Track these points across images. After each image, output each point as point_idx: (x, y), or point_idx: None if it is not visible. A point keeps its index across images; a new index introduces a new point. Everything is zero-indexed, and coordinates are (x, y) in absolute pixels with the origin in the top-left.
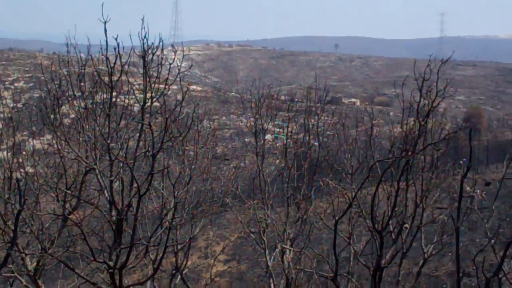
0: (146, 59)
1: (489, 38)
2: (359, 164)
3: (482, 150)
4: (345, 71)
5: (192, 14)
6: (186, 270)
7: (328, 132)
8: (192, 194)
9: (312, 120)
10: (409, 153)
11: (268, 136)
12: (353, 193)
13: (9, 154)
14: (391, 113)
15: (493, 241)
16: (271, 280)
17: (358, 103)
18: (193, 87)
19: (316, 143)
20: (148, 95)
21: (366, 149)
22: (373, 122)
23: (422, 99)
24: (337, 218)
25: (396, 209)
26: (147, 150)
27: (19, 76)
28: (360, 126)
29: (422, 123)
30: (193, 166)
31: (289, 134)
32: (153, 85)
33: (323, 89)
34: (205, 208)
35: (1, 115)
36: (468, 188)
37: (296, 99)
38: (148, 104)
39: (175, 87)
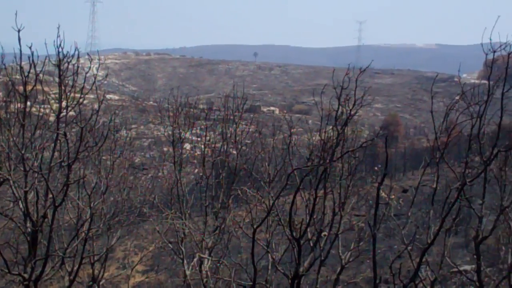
0: (62, 68)
1: (406, 46)
2: (277, 172)
3: (399, 157)
4: (264, 80)
5: (109, 22)
6: (103, 282)
7: (246, 141)
8: (109, 205)
9: (231, 129)
10: (327, 161)
11: (187, 145)
12: (271, 201)
13: None
14: (310, 121)
15: (409, 247)
16: None
17: (277, 111)
18: (110, 96)
19: (235, 152)
20: (64, 104)
21: (284, 157)
22: (292, 130)
23: (340, 107)
24: (255, 226)
25: (314, 216)
26: (63, 160)
27: None
28: (278, 134)
29: (340, 131)
30: (110, 176)
31: (208, 142)
32: (68, 94)
33: (241, 97)
34: (122, 218)
35: None
36: (384, 195)
37: (215, 108)
38: (64, 113)
39: (91, 96)
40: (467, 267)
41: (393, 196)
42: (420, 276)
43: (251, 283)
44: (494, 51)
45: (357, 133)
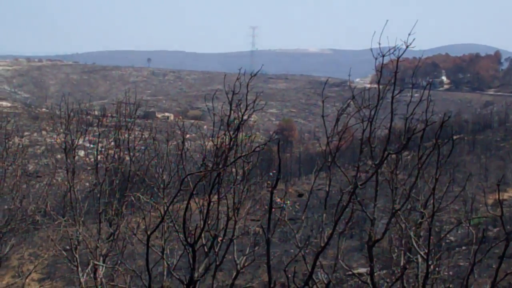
0: None
1: (300, 51)
2: (171, 178)
3: (294, 162)
4: (158, 86)
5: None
6: None
7: (141, 147)
8: (1, 213)
9: (124, 135)
10: (220, 166)
11: (81, 152)
12: (165, 207)
13: None
14: (205, 127)
15: (306, 251)
16: None
17: (171, 117)
18: (2, 103)
19: (128, 158)
20: None
21: (178, 163)
22: (186, 136)
23: (232, 112)
24: (149, 233)
25: (208, 222)
26: None
27: None
28: (173, 140)
29: (233, 136)
30: (2, 184)
31: (101, 149)
32: None
33: (135, 103)
34: (15, 226)
35: None
36: (278, 200)
37: (109, 114)
38: None
39: None
40: (363, 270)
41: (288, 201)
42: (315, 279)
43: None
44: (383, 55)
45: (252, 138)
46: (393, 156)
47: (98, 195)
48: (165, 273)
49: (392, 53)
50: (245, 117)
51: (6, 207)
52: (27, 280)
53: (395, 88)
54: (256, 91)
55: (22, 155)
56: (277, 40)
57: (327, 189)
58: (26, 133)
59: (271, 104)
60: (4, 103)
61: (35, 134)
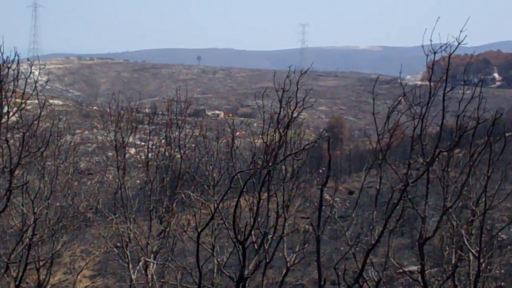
0: (1, 73)
1: (349, 48)
2: (221, 175)
3: (344, 159)
4: (208, 83)
5: (52, 27)
6: (49, 287)
7: (191, 144)
8: (53, 210)
9: (176, 133)
10: (270, 163)
11: (132, 150)
12: (216, 205)
13: None
14: (255, 124)
15: (357, 248)
16: None
17: (221, 115)
18: (54, 101)
19: (179, 155)
20: (5, 110)
21: (228, 160)
22: (236, 133)
23: (282, 109)
24: (199, 230)
25: (258, 219)
26: (5, 166)
27: None
28: (222, 138)
29: (282, 133)
30: (54, 181)
31: (151, 147)
32: (9, 99)
33: (185, 101)
34: (67, 223)
35: None
36: (328, 197)
37: (160, 112)
38: (5, 119)
39: (34, 101)
40: (413, 268)
41: (338, 198)
42: (365, 276)
43: (196, 287)
44: (435, 52)
45: (301, 135)
46: (445, 153)
47: (149, 192)
48: (215, 270)
49: (444, 50)
50: (294, 115)
51: (58, 204)
52: (78, 277)
53: (446, 85)
54: (305, 89)
55: (74, 153)
56: (327, 37)
57: (377, 187)
58: (77, 131)
59: (320, 102)
60: (56, 101)
61: (86, 132)
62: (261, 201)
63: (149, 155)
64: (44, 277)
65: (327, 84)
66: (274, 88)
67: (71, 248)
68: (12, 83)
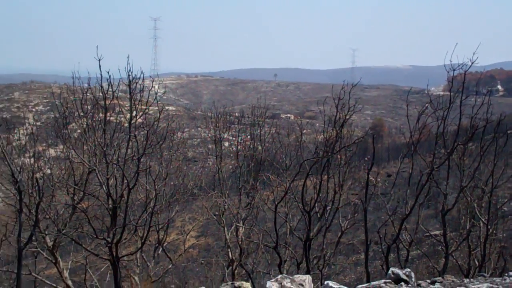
0: (132, 87)
1: (388, 67)
2: (291, 162)
3: (384, 151)
4: (282, 94)
5: (167, 52)
6: (166, 244)
7: (269, 139)
8: (169, 187)
9: (258, 131)
10: (329, 153)
11: (226, 143)
12: (288, 184)
13: (31, 160)
14: (317, 124)
15: (392, 217)
16: (229, 250)
17: (292, 117)
18: (168, 107)
19: (260, 147)
20: (134, 114)
21: (297, 151)
22: (303, 131)
23: (338, 113)
24: (276, 203)
25: (320, 195)
26: (134, 155)
27: (38, 101)
28: (292, 134)
29: (338, 131)
30: (169, 167)
31: (240, 141)
32: (137, 106)
33: (265, 107)
34: (179, 197)
35: (26, 131)
36: (372, 179)
37: (246, 115)
38: (134, 120)
39: (154, 107)
40: (436, 232)
41: (379, 180)
42: (401, 238)
43: (274, 245)
44: (454, 70)
45: (352, 133)
46: (461, 146)
47: (239, 175)
48: (288, 232)
49: (460, 68)
50: (347, 117)
51: (172, 183)
52: (187, 237)
53: (462, 95)
54: (355, 98)
55: (183, 145)
56: (371, 59)
57: (410, 171)
58: (186, 129)
59: (366, 108)
60: (170, 108)
61: (192, 130)
62: (322, 181)
63: (238, 147)
64: (162, 237)
65: (371, 94)
66: (332, 97)
67: (181, 215)
68: (139, 94)
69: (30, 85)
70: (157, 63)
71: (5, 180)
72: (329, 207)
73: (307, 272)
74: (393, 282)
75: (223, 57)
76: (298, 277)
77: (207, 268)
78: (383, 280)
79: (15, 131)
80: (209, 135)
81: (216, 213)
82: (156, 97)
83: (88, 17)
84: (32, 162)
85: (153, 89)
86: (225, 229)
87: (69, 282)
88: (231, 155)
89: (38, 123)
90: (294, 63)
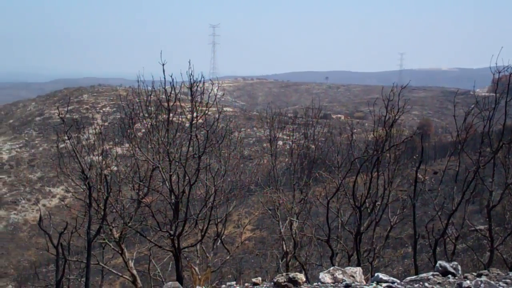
0: (193, 90)
1: (434, 69)
2: (343, 160)
3: (431, 149)
4: (333, 96)
5: (224, 56)
6: (224, 236)
7: (322, 138)
8: (227, 183)
9: (311, 130)
10: (379, 152)
11: (280, 142)
12: (340, 181)
13: (100, 157)
14: (366, 124)
15: (440, 213)
16: (284, 243)
17: (343, 118)
18: (226, 108)
19: (313, 146)
20: (195, 114)
21: (348, 149)
22: (353, 130)
23: (387, 114)
24: (328, 198)
25: (370, 191)
26: (195, 153)
27: (106, 103)
28: (343, 134)
29: (388, 130)
30: (227, 164)
31: (294, 140)
32: (198, 107)
33: (317, 108)
34: (236, 193)
35: (95, 131)
36: (420, 176)
37: (300, 116)
38: (195, 121)
39: (213, 109)
40: (481, 227)
41: (426, 177)
42: (447, 233)
43: (326, 238)
44: (499, 72)
45: (400, 132)
46: (506, 145)
47: (292, 172)
48: (339, 226)
49: (506, 70)
50: (396, 117)
51: (229, 179)
52: (243, 230)
53: (508, 95)
54: (404, 99)
55: (240, 144)
56: (418, 61)
57: (457, 169)
58: (242, 129)
59: (414, 108)
60: (228, 109)
61: (248, 130)
62: (372, 178)
63: (292, 145)
64: (220, 230)
65: (418, 96)
66: (382, 98)
67: (238, 210)
68: (199, 96)
69: (98, 88)
70: (216, 67)
71: (75, 176)
72: (379, 203)
73: (358, 265)
74: (440, 275)
75: (277, 60)
76: (350, 269)
77: (262, 260)
78: (431, 273)
79: (85, 131)
80: (264, 135)
81: (271, 208)
82: (215, 99)
83: (152, 24)
84: (100, 159)
85: (212, 91)
86: (280, 223)
87: (134, 271)
88: (285, 153)
89: (106, 124)
90: (345, 66)
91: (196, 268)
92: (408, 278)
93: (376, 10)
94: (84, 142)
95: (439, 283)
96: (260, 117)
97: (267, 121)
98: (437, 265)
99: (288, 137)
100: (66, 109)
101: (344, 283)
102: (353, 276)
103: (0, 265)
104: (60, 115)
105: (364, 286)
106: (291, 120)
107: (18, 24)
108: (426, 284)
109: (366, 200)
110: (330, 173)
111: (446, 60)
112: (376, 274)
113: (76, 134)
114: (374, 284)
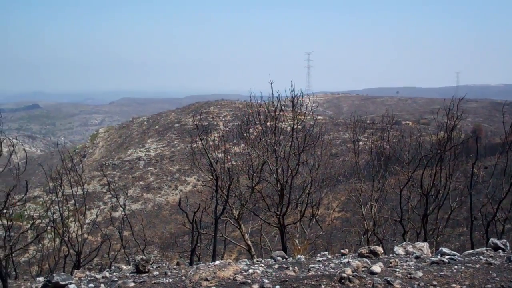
0: (294, 103)
1: (484, 85)
2: (412, 157)
3: (482, 149)
4: (402, 106)
5: (317, 74)
6: (317, 216)
7: (394, 140)
8: (319, 175)
9: (385, 133)
10: (441, 151)
11: (361, 143)
12: (410, 174)
13: (222, 154)
14: (429, 129)
15: (491, 200)
16: (365, 222)
17: (410, 124)
18: (318, 117)
19: (388, 146)
20: (295, 122)
21: (416, 148)
22: (420, 134)
23: (448, 120)
24: (401, 188)
25: (434, 182)
26: (295, 151)
27: (226, 113)
28: (412, 136)
29: (449, 134)
30: (320, 160)
31: (372, 141)
32: (297, 116)
33: (390, 116)
34: (327, 182)
35: (218, 134)
36: (475, 170)
37: (377, 122)
38: (295, 127)
39: (309, 117)
40: None
41: (481, 171)
42: (497, 216)
43: (399, 219)
44: None
45: (458, 135)
46: None
47: (372, 166)
48: (409, 210)
49: None
50: (455, 123)
51: (321, 172)
52: (332, 211)
53: None
54: (461, 109)
55: (329, 145)
56: (471, 77)
57: (505, 164)
58: (330, 133)
59: (469, 115)
60: (320, 117)
61: (335, 133)
62: (436, 172)
63: (372, 145)
64: (314, 211)
65: (471, 106)
66: (443, 108)
67: (328, 195)
68: (299, 108)
69: (221, 102)
70: (310, 84)
71: (204, 169)
72: (441, 192)
73: (424, 240)
74: (492, 250)
75: (358, 78)
76: (418, 244)
77: (347, 235)
78: (484, 248)
79: (211, 135)
80: (348, 137)
81: (354, 194)
82: (311, 109)
83: (263, 51)
84: (223, 156)
85: (308, 104)
86: (362, 206)
87: (249, 242)
88: (365, 151)
89: (227, 129)
90: (411, 82)
91: (297, 241)
92: (466, 252)
93: (437, 34)
94: (211, 143)
95: (491, 256)
96: (346, 123)
97: (351, 126)
98: (490, 241)
99: (367, 139)
100: (198, 118)
101: (414, 255)
102: (421, 250)
103: (149, 235)
104: (194, 123)
105: (431, 258)
106: (370, 125)
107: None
108: (481, 257)
109: (431, 189)
110: (402, 167)
111: (493, 77)
112: (440, 248)
113: (205, 137)
114: (439, 256)
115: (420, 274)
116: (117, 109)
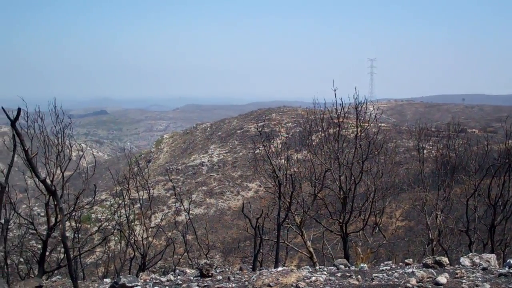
0: (358, 110)
1: None
2: (479, 166)
3: None
4: (468, 114)
5: (380, 81)
6: (380, 225)
7: (460, 148)
8: (383, 183)
9: (451, 141)
10: (510, 160)
11: (425, 151)
12: (477, 183)
13: (285, 161)
14: (497, 137)
15: None
16: (430, 232)
17: (476, 132)
18: (381, 124)
19: (453, 154)
20: (359, 129)
21: (484, 157)
22: (487, 142)
23: None
24: (467, 197)
25: (502, 192)
26: (359, 159)
27: (288, 120)
28: (478, 145)
29: None
30: (383, 168)
31: (438, 149)
32: (361, 123)
33: (456, 124)
34: (390, 191)
35: (281, 141)
36: None
37: (442, 130)
38: (359, 134)
39: (372, 124)
40: None
41: None
42: None
43: (465, 229)
44: None
45: None
46: None
47: (437, 175)
48: (475, 220)
49: None
50: None
51: (385, 180)
52: (396, 220)
53: None
54: None
55: (393, 152)
56: None
57: None
58: (394, 140)
59: None
60: (383, 124)
61: (398, 141)
62: (505, 181)
63: (437, 154)
64: (378, 219)
65: None
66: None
67: (391, 204)
68: (362, 115)
69: (283, 109)
70: (373, 91)
71: (266, 175)
72: (510, 202)
73: (491, 252)
74: None
75: (422, 85)
76: (485, 255)
77: (410, 244)
78: None
79: (273, 141)
80: (412, 145)
81: (418, 204)
82: (375, 117)
83: (324, 59)
84: (285, 162)
85: (372, 111)
86: (426, 215)
87: (311, 249)
88: (429, 159)
89: (289, 135)
90: (477, 89)
91: (359, 249)
92: None
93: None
94: (273, 149)
95: None
96: (410, 131)
97: (415, 134)
98: None
99: (432, 147)
100: (260, 124)
101: (481, 266)
102: (488, 261)
103: (212, 240)
104: (258, 129)
105: (499, 269)
106: (435, 133)
107: (231, 59)
108: None
109: (499, 199)
110: (468, 176)
111: None
112: (508, 260)
113: (268, 143)
114: (507, 268)
115: (487, 286)
116: (181, 115)
